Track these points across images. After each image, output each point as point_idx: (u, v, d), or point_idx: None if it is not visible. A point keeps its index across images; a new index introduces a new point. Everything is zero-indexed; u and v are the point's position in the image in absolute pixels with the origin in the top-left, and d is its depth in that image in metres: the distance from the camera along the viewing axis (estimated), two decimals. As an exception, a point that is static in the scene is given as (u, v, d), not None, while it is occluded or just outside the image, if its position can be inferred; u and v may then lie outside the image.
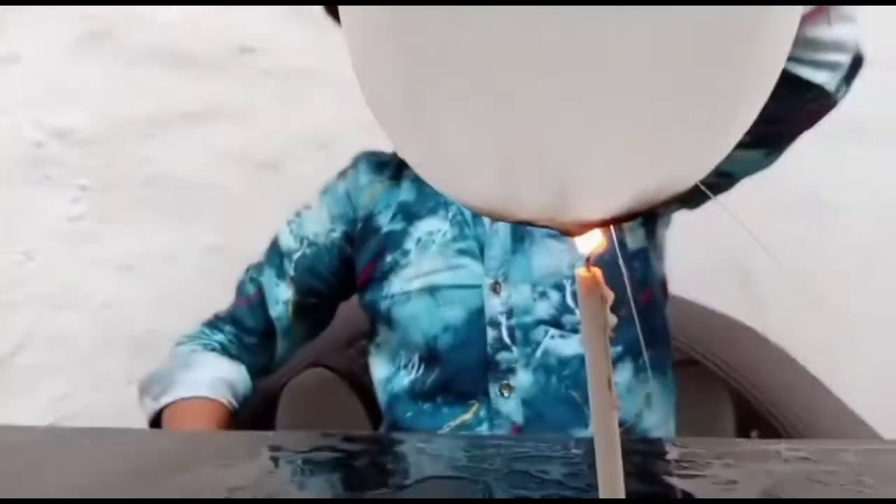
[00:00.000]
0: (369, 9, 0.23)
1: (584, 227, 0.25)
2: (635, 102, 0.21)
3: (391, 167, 0.92)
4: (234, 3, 1.26)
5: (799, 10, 0.24)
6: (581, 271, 0.28)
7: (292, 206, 0.96)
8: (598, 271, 0.28)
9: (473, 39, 0.21)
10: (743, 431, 0.96)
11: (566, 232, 0.26)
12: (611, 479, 0.31)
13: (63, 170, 1.10)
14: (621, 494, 0.30)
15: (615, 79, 0.21)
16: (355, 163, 0.96)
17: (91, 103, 1.13)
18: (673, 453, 0.44)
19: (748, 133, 0.25)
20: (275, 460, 0.46)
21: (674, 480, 0.39)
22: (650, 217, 0.86)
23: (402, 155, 0.27)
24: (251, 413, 1.03)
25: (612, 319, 0.28)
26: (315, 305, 0.93)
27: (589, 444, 0.48)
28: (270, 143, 1.33)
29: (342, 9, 0.25)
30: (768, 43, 0.23)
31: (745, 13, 0.21)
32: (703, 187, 0.25)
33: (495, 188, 0.24)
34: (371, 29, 0.23)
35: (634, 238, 0.83)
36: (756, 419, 0.94)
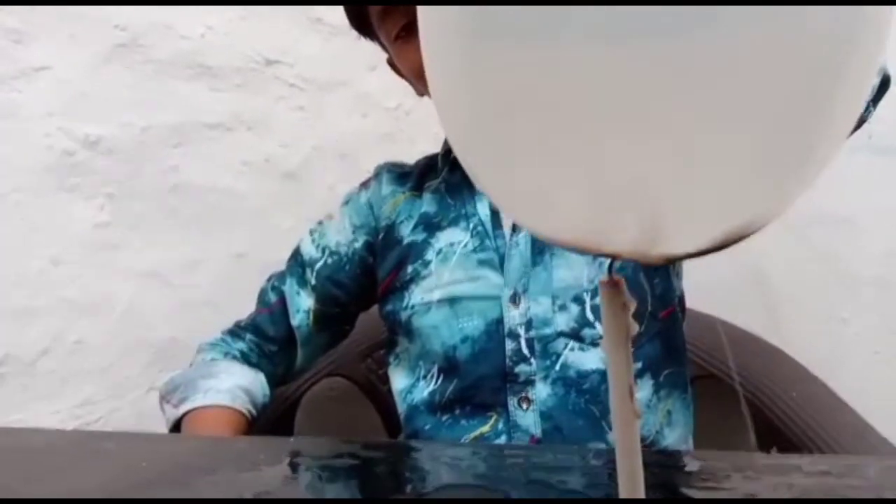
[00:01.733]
0: (450, 39, 0.23)
1: (670, 261, 0.25)
2: (730, 136, 0.21)
3: (413, 178, 0.93)
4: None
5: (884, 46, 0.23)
6: (603, 278, 0.28)
7: (314, 215, 0.97)
8: (620, 279, 0.28)
9: (563, 72, 0.20)
10: (762, 446, 0.95)
11: (648, 265, 0.26)
12: (632, 488, 0.31)
13: (91, 178, 1.11)
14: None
15: (708, 111, 0.20)
16: (377, 173, 0.96)
17: (119, 113, 1.15)
18: (693, 466, 0.44)
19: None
20: (294, 466, 0.46)
21: (693, 493, 0.39)
22: None
23: (484, 188, 0.26)
24: (270, 421, 1.03)
25: (634, 327, 0.29)
26: (336, 315, 0.94)
27: (608, 455, 0.48)
28: (293, 154, 1.35)
29: (423, 37, 0.25)
30: (856, 80, 0.23)
31: (835, 53, 0.21)
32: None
33: (584, 224, 0.24)
34: (452, 59, 0.23)
35: None
36: (775, 434, 0.93)
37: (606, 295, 0.28)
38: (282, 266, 0.97)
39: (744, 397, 0.98)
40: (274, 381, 0.93)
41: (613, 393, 0.30)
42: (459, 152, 0.26)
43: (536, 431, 0.77)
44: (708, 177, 0.22)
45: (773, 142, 0.22)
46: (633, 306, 0.28)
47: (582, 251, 0.25)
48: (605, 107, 0.21)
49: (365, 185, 0.96)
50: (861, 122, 0.69)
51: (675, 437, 0.83)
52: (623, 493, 0.31)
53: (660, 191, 0.22)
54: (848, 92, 0.22)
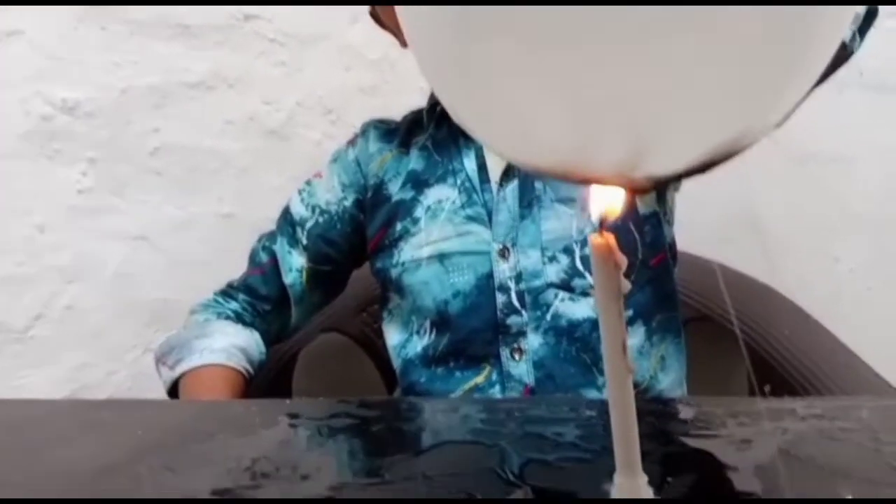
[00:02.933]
0: None
1: (657, 184, 0.24)
2: (713, 47, 0.20)
3: (399, 135, 0.92)
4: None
5: None
6: (594, 237, 0.28)
7: (301, 172, 0.96)
8: (611, 237, 0.28)
9: None
10: (756, 387, 0.96)
11: (632, 189, 0.25)
12: (626, 443, 0.31)
13: (71, 143, 1.09)
14: (637, 458, 0.31)
15: (689, 25, 0.20)
16: (364, 130, 0.95)
17: (96, 76, 1.12)
18: (687, 413, 0.45)
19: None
20: (291, 428, 0.47)
21: (689, 441, 0.39)
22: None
23: (461, 120, 0.26)
24: (267, 379, 1.04)
25: (626, 285, 0.28)
26: (328, 273, 0.93)
27: (602, 405, 0.48)
28: (276, 110, 1.33)
29: None
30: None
31: None
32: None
33: (566, 147, 0.23)
34: None
35: (645, 202, 0.82)
36: (769, 374, 0.94)
37: (598, 254, 0.28)
38: (271, 225, 0.96)
39: (738, 338, 0.99)
40: (269, 340, 0.93)
41: (606, 350, 0.30)
42: (436, 83, 0.25)
43: (529, 380, 0.78)
44: (692, 91, 0.21)
45: (757, 53, 0.21)
46: (624, 265, 0.28)
47: (564, 177, 0.25)
48: (583, 24, 0.20)
49: (352, 142, 0.95)
50: (849, 53, 0.68)
51: (669, 381, 0.84)
52: (617, 448, 0.31)
53: (642, 107, 0.21)
54: (831, 9, 0.22)
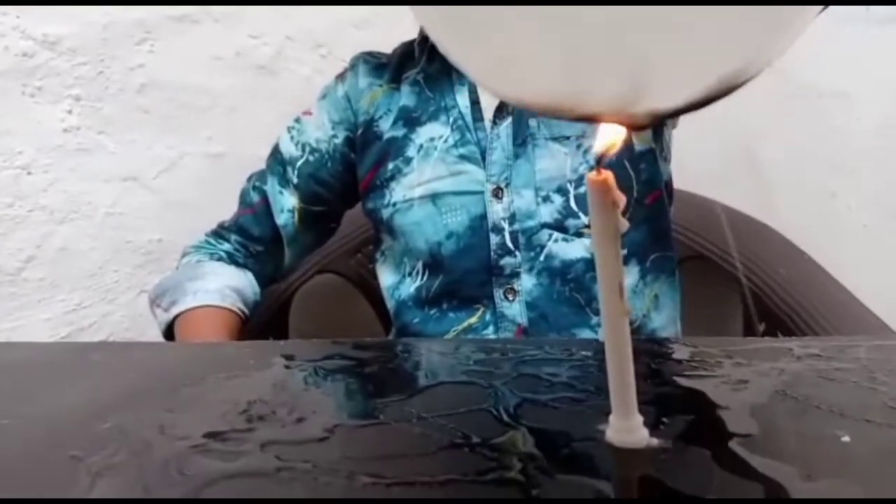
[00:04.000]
0: None
1: (655, 118, 0.23)
2: None
3: (390, 69, 0.89)
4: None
5: None
6: (592, 175, 0.27)
7: (291, 109, 0.94)
8: (609, 174, 0.27)
9: None
10: (750, 326, 0.97)
11: (631, 126, 0.24)
12: (622, 383, 0.30)
13: (54, 80, 1.07)
14: (633, 399, 0.30)
15: None
16: (353, 65, 0.92)
17: (77, 10, 1.08)
18: (683, 353, 0.44)
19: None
20: (285, 370, 0.46)
21: (684, 381, 0.39)
22: None
23: (450, 56, 0.25)
24: (263, 321, 1.04)
25: (624, 225, 0.27)
26: (321, 213, 0.92)
27: (597, 345, 0.48)
28: (265, 45, 1.29)
29: None
30: None
31: None
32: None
33: (562, 82, 0.23)
34: None
35: (641, 139, 0.81)
36: (764, 312, 0.94)
37: (595, 192, 0.27)
38: (261, 164, 0.94)
39: (733, 276, 0.99)
40: (263, 281, 0.93)
41: (603, 290, 0.29)
42: (423, 19, 0.25)
43: (523, 320, 0.78)
44: (690, 25, 0.20)
45: None
46: (622, 203, 0.27)
47: (559, 114, 0.24)
48: None
49: (341, 77, 0.93)
50: None
51: (663, 319, 0.84)
52: (613, 389, 0.31)
53: (641, 42, 0.20)
54: None
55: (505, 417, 0.35)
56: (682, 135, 0.90)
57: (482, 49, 0.24)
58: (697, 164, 1.11)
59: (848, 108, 1.34)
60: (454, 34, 0.24)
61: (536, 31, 0.21)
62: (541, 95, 0.24)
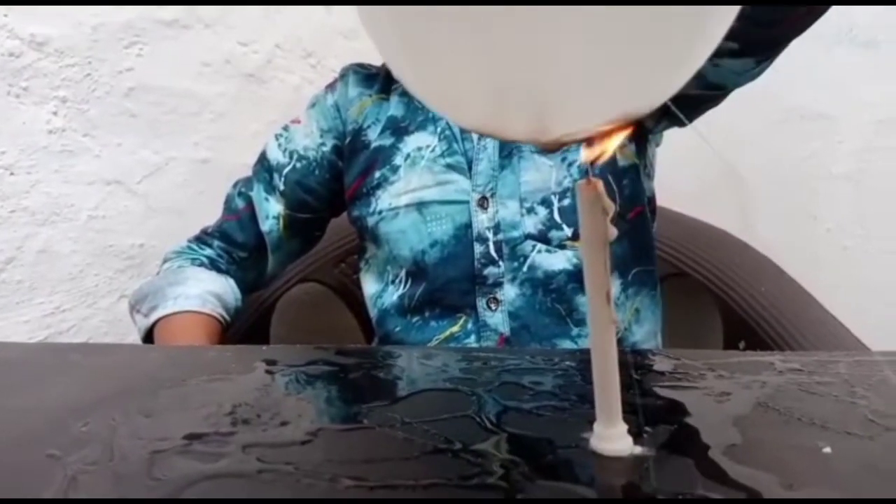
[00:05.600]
0: None
1: (566, 145, 0.27)
2: (605, 24, 0.23)
3: (380, 80, 0.90)
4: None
5: None
6: (582, 183, 0.27)
7: (279, 118, 0.94)
8: (599, 183, 0.27)
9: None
10: (730, 343, 0.98)
11: (552, 150, 0.28)
12: (607, 391, 0.31)
13: (40, 81, 1.06)
14: (617, 406, 0.30)
15: (579, 20, 0.22)
16: (343, 75, 0.93)
17: (66, 11, 1.08)
18: (666, 365, 0.45)
19: (737, 40, 0.24)
20: (267, 375, 0.46)
21: (667, 392, 0.39)
22: (641, 134, 0.84)
23: (409, 88, 0.29)
24: (245, 328, 1.03)
25: (613, 232, 0.28)
26: (306, 220, 0.92)
27: (579, 355, 0.48)
28: (254, 52, 1.29)
29: None
30: None
31: None
32: (673, 108, 0.27)
33: (486, 117, 0.27)
34: None
35: (624, 155, 0.82)
36: (744, 330, 0.95)
37: (585, 199, 0.27)
38: (247, 171, 0.94)
39: (714, 294, 1.00)
40: (245, 288, 0.93)
41: (591, 297, 0.30)
42: (389, 61, 0.29)
43: (505, 330, 0.78)
44: (584, 67, 0.24)
45: (648, 24, 0.23)
46: (612, 211, 0.27)
47: (489, 136, 0.30)
48: (495, 27, 0.23)
49: (331, 86, 0.93)
50: (825, 4, 0.64)
51: (644, 333, 0.85)
52: (598, 397, 0.31)
53: (541, 83, 0.25)
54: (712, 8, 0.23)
55: (488, 424, 0.35)
56: (667, 154, 0.91)
57: (429, 83, 0.28)
58: (681, 183, 1.12)
59: (830, 130, 1.36)
60: (406, 69, 0.28)
61: (465, 72, 0.26)
62: (473, 123, 0.28)
